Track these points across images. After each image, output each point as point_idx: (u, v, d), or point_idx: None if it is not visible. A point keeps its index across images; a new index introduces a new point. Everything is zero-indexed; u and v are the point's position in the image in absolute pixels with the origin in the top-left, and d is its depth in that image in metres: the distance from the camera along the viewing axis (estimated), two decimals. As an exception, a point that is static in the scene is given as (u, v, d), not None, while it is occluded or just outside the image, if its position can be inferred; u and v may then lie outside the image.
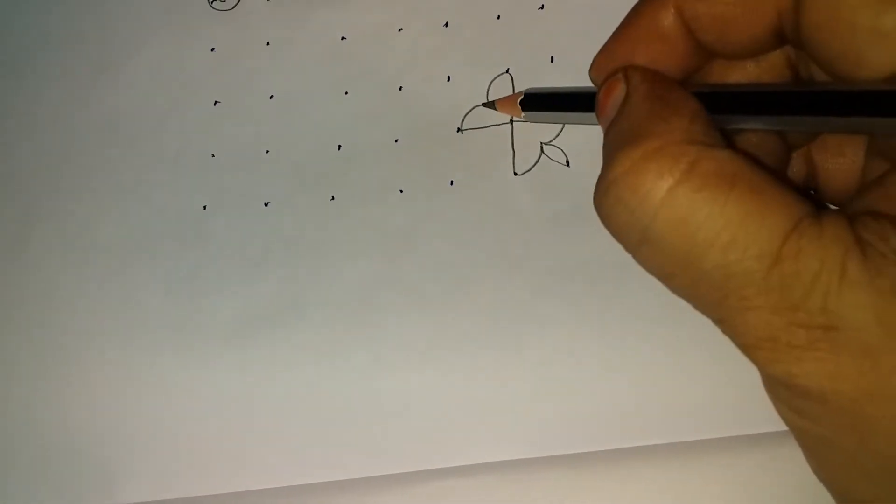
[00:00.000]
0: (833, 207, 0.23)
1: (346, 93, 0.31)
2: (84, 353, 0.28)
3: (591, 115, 0.22)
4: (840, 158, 0.24)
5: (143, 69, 0.33)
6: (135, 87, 0.32)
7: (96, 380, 0.28)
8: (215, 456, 0.26)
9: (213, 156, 0.31)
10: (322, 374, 0.27)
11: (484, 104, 0.29)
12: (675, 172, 0.18)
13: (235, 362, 0.27)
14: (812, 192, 0.24)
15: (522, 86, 0.29)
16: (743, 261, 0.18)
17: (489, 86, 0.30)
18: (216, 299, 0.28)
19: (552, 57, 0.29)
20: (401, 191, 0.29)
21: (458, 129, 0.29)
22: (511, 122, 0.29)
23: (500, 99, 0.27)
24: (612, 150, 0.20)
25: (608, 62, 0.23)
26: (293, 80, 0.32)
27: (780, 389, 0.18)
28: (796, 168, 0.24)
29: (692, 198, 0.18)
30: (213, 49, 0.33)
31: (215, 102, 0.32)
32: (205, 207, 0.30)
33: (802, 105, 0.19)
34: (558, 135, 0.29)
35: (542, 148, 0.29)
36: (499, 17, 0.32)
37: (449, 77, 0.30)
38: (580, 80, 0.26)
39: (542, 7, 0.31)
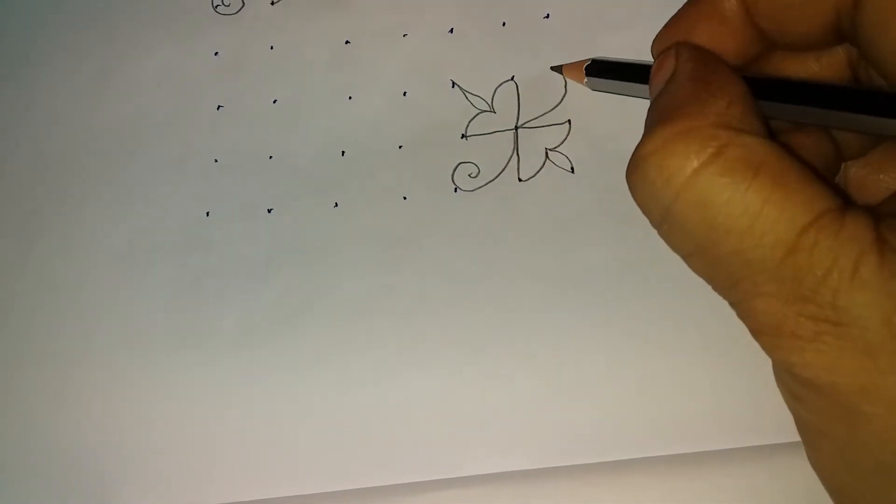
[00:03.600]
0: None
1: (350, 98, 0.31)
2: (87, 359, 0.28)
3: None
4: (885, 175, 0.24)
5: (147, 74, 0.32)
6: (138, 92, 0.32)
7: (99, 387, 0.28)
8: (219, 464, 0.26)
9: (216, 161, 0.30)
10: (326, 381, 0.27)
11: (552, 67, 0.29)
12: (702, 155, 0.18)
13: (239, 369, 0.27)
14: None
15: (527, 94, 0.29)
16: (758, 247, 0.18)
17: (494, 93, 0.30)
18: (220, 305, 0.28)
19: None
20: (404, 197, 0.29)
21: (463, 136, 0.29)
22: (516, 128, 0.29)
23: (567, 64, 0.28)
24: (648, 126, 0.20)
25: (669, 37, 0.23)
26: (297, 85, 0.31)
27: (784, 375, 0.18)
28: (846, 177, 0.24)
29: (715, 181, 0.18)
30: (216, 53, 0.33)
31: (219, 107, 0.31)
32: (208, 213, 0.30)
33: (849, 102, 0.19)
34: (563, 141, 0.29)
35: (546, 154, 0.29)
36: (504, 25, 0.31)
37: (453, 83, 0.30)
38: (582, 87, 0.26)
39: (548, 16, 0.31)
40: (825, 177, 0.23)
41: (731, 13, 0.21)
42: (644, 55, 0.30)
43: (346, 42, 0.32)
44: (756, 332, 0.18)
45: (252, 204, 0.30)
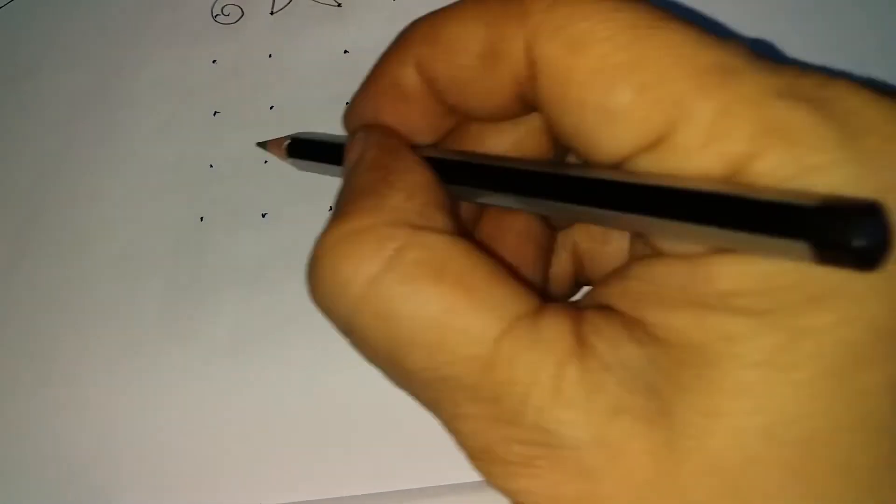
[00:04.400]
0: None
1: (347, 105, 0.31)
2: (80, 365, 0.28)
3: None
4: (602, 245, 0.22)
5: (145, 81, 0.33)
6: (136, 99, 0.32)
7: (92, 393, 0.27)
8: (213, 471, 0.26)
9: (211, 167, 0.30)
10: (321, 387, 0.26)
11: (258, 144, 0.28)
12: (378, 259, 0.16)
13: (233, 375, 0.27)
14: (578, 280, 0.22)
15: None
16: (452, 363, 0.16)
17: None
18: (214, 311, 0.28)
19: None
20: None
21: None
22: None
23: (272, 140, 0.26)
24: (327, 223, 0.17)
25: (357, 115, 0.21)
26: (294, 93, 0.31)
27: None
28: (561, 250, 0.22)
29: (394, 290, 0.16)
30: (214, 61, 0.33)
31: (215, 113, 0.31)
32: (202, 219, 0.29)
33: (538, 186, 0.17)
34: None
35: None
36: (502, 33, 0.32)
37: (451, 91, 0.30)
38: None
39: (546, 23, 0.32)
40: (529, 270, 0.20)
41: (412, 90, 0.19)
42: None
43: (345, 52, 0.32)
44: (469, 458, 0.16)
45: (246, 209, 0.29)
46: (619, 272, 0.16)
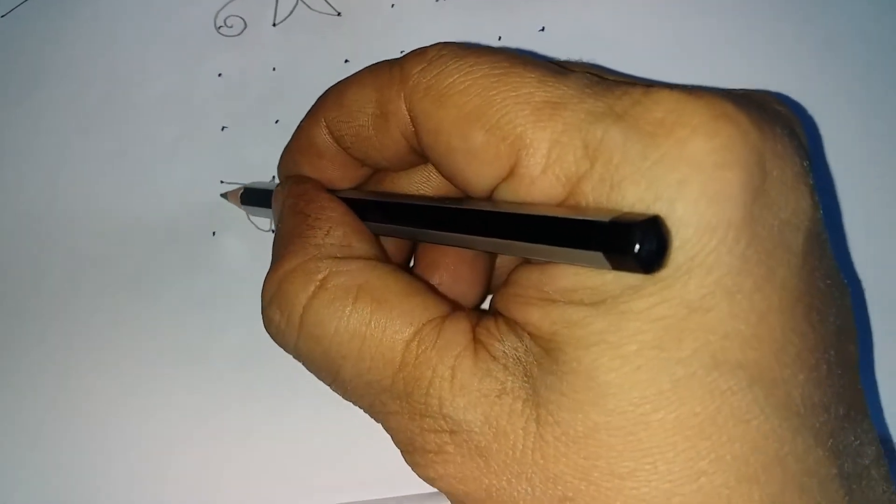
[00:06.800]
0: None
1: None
2: (93, 380, 0.28)
3: None
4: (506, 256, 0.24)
5: (151, 95, 0.33)
6: (143, 114, 0.33)
7: (105, 407, 0.28)
8: (223, 480, 0.27)
9: (221, 182, 0.31)
10: (334, 400, 0.27)
11: (221, 195, 0.30)
12: (307, 291, 0.19)
13: (246, 388, 0.28)
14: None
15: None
16: (373, 369, 0.18)
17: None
18: (226, 326, 0.29)
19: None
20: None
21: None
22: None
23: (231, 191, 0.29)
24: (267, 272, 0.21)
25: (282, 172, 0.24)
26: (298, 106, 0.32)
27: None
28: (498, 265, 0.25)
29: (322, 313, 0.19)
30: (220, 74, 0.33)
31: (223, 128, 0.32)
32: (214, 233, 0.30)
33: (428, 219, 0.20)
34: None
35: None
36: (500, 39, 0.32)
37: (451, 100, 0.30)
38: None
39: (543, 29, 0.32)
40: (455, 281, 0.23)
41: (325, 147, 0.22)
42: (637, 66, 0.31)
43: (346, 61, 0.33)
44: (402, 454, 0.19)
45: (256, 222, 0.30)
46: (506, 281, 0.19)
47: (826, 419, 0.16)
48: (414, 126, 0.19)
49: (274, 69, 0.33)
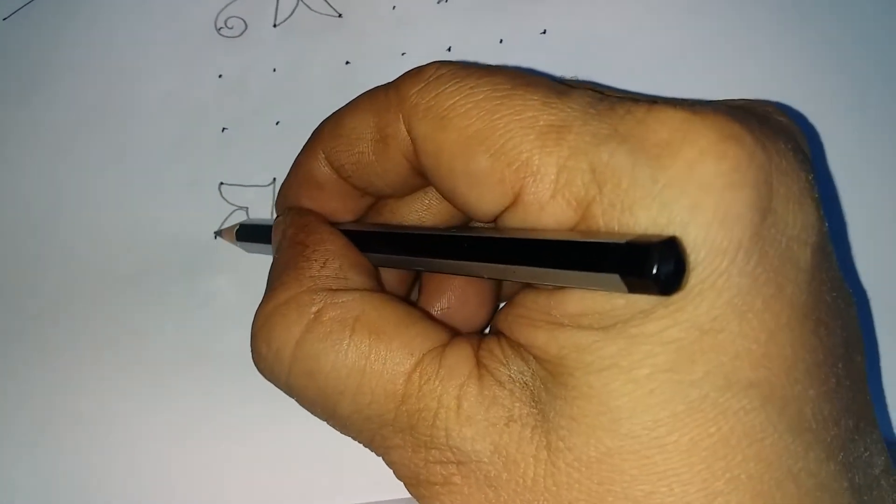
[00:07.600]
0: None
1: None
2: (93, 384, 0.28)
3: None
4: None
5: (151, 96, 0.33)
6: (143, 115, 0.33)
7: (105, 408, 0.28)
8: (224, 482, 0.27)
9: (221, 184, 0.31)
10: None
11: (215, 233, 0.30)
12: (301, 324, 0.19)
13: (246, 390, 0.28)
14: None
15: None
16: (373, 403, 0.18)
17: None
18: (227, 326, 0.29)
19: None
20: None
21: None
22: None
23: (225, 228, 0.29)
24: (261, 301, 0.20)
25: (282, 204, 0.24)
26: (299, 107, 0.32)
27: None
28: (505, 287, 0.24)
29: (316, 348, 0.18)
30: (220, 75, 0.33)
31: (223, 129, 0.32)
32: (216, 236, 0.30)
33: (432, 248, 0.19)
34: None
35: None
36: (501, 42, 0.32)
37: (452, 102, 0.30)
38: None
39: (545, 32, 0.32)
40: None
41: (324, 178, 0.22)
42: (639, 69, 0.31)
43: (347, 62, 0.33)
44: (407, 487, 0.18)
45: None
46: (510, 301, 0.19)
47: (837, 433, 0.16)
48: (415, 147, 0.19)
49: (274, 70, 0.33)
